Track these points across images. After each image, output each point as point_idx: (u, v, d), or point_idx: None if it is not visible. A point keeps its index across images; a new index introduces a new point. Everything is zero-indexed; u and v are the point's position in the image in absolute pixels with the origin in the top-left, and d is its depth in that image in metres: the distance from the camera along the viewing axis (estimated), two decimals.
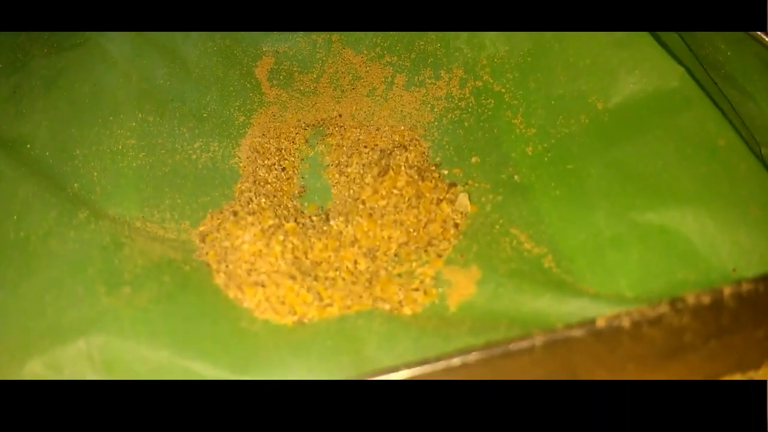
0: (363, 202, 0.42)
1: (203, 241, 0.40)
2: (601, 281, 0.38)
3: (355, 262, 0.40)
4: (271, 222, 0.40)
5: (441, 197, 0.42)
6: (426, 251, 0.40)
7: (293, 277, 0.38)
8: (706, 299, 0.31)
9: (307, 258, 0.39)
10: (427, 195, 0.42)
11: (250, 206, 0.41)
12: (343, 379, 0.32)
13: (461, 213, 0.42)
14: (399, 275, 0.39)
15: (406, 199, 0.41)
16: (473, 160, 0.46)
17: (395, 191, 0.42)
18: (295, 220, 0.41)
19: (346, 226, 0.41)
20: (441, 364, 0.30)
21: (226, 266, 0.38)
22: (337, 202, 0.44)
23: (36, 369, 0.33)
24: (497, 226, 0.41)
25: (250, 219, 0.40)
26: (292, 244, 0.39)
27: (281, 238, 0.39)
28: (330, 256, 0.40)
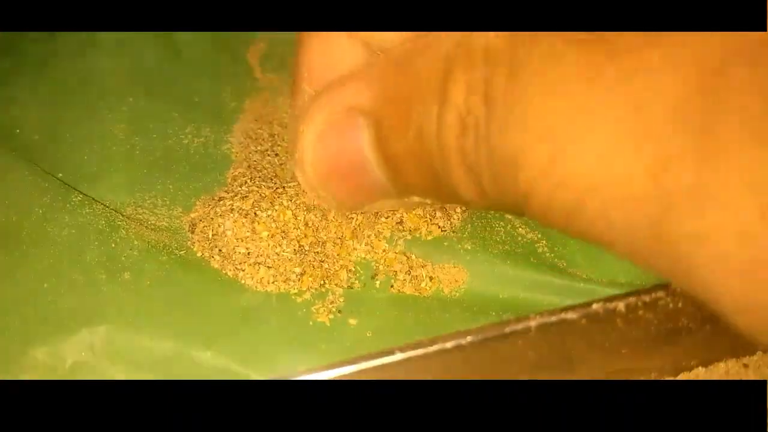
0: None
1: (192, 231, 0.40)
2: (594, 267, 0.38)
3: (352, 246, 0.40)
4: (261, 206, 0.39)
5: None
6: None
7: (289, 260, 0.37)
8: None
9: (300, 243, 0.39)
10: None
11: (241, 190, 0.41)
12: (344, 360, 0.32)
13: None
14: (394, 254, 0.40)
15: None
16: None
17: None
18: (288, 206, 0.41)
19: None
20: (435, 347, 0.30)
21: (219, 251, 0.38)
22: None
23: (38, 358, 0.32)
24: (491, 211, 0.41)
25: (237, 204, 0.39)
26: (286, 227, 0.39)
27: (273, 224, 0.39)
28: (324, 239, 0.40)
